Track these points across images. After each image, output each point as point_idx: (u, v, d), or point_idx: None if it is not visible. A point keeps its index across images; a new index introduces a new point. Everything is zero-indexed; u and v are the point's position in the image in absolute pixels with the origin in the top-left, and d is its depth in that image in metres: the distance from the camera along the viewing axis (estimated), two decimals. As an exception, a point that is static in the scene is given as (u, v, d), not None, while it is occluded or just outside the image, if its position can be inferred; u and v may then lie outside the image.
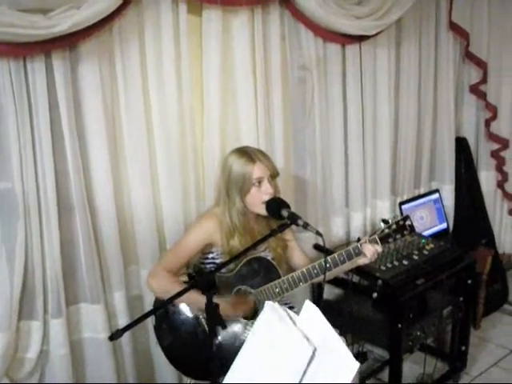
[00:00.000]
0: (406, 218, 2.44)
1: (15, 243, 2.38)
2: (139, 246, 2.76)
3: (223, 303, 2.21)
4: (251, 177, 2.41)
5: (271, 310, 1.48)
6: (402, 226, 2.43)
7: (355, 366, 1.36)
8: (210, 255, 2.54)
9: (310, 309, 1.41)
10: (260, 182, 2.42)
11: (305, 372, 1.38)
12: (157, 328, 2.51)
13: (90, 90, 2.45)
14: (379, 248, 2.43)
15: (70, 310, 2.60)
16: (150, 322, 2.55)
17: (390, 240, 2.44)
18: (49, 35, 2.15)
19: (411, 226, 2.43)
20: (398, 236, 2.43)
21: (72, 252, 2.56)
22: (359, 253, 2.42)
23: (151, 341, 2.87)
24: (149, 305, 2.76)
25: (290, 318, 1.43)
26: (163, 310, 2.44)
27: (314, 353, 1.37)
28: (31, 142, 2.33)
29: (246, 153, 2.46)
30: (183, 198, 2.82)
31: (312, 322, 1.40)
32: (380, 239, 2.42)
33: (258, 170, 2.41)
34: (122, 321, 2.71)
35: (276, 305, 1.49)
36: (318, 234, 2.23)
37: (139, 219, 2.72)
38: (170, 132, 2.71)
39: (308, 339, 1.38)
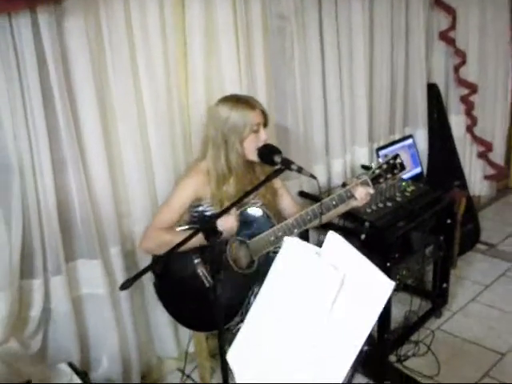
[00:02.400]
0: (396, 156, 2.42)
1: (11, 203, 2.37)
2: (131, 199, 2.78)
3: None
4: (253, 123, 2.39)
5: (291, 244, 1.49)
6: (392, 165, 2.41)
7: (390, 285, 1.38)
8: (200, 208, 2.53)
9: (333, 238, 1.44)
10: (258, 128, 2.42)
11: (335, 300, 1.40)
12: (157, 284, 2.53)
13: (76, 46, 2.43)
14: (371, 190, 2.42)
15: (70, 267, 2.62)
16: (146, 278, 2.57)
17: (381, 180, 2.43)
18: (35, -11, 2.11)
19: (401, 164, 2.42)
20: (389, 176, 2.42)
21: (67, 208, 2.56)
22: (351, 196, 2.41)
23: (148, 297, 2.93)
24: (142, 259, 2.79)
25: (313, 250, 1.45)
26: (161, 266, 2.42)
27: (342, 280, 1.39)
28: (21, 100, 2.30)
29: (241, 99, 2.45)
30: (172, 151, 2.84)
31: (338, 251, 1.43)
32: (371, 181, 2.41)
33: (257, 116, 2.41)
34: (119, 275, 2.74)
35: (295, 238, 1.50)
36: (313, 176, 2.26)
37: (130, 173, 2.74)
38: (158, 85, 2.70)
39: (335, 267, 1.41)
